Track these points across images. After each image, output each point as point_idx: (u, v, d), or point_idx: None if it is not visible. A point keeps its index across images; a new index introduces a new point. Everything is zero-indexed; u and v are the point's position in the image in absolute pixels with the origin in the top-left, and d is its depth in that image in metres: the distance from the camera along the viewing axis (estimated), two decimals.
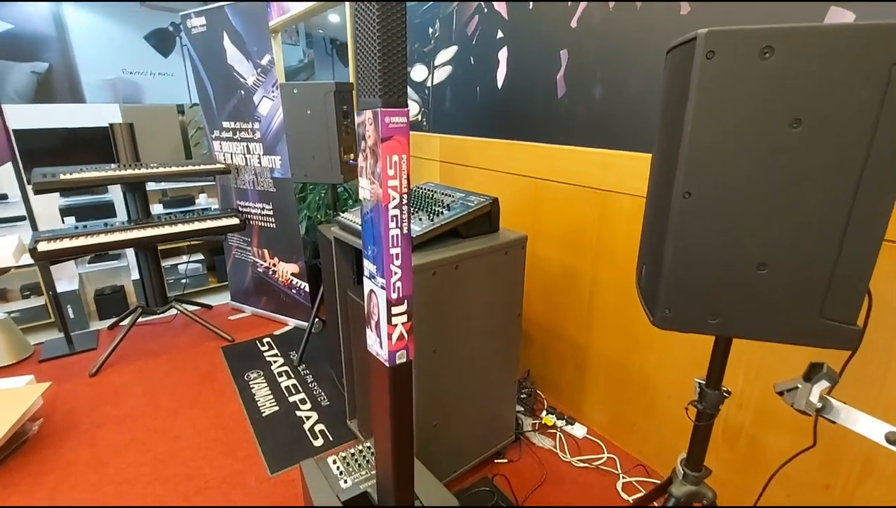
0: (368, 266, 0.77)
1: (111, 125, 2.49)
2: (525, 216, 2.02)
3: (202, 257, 3.69)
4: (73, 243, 2.24)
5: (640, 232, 1.57)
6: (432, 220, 1.36)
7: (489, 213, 1.46)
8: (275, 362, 2.50)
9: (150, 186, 3.46)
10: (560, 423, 1.92)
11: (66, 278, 3.23)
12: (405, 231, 0.71)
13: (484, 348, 1.53)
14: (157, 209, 3.50)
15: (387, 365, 0.76)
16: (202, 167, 2.56)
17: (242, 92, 2.47)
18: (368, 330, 0.80)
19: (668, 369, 1.60)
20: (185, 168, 2.52)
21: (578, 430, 1.89)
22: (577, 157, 1.74)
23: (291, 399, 2.17)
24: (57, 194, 3.10)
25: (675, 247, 0.71)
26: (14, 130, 2.74)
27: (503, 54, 1.97)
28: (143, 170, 2.41)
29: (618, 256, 1.67)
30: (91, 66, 4.62)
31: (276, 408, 2.10)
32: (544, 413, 1.98)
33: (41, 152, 2.90)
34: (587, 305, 1.84)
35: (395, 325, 0.74)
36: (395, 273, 0.72)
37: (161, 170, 2.45)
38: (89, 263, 3.28)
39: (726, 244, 0.69)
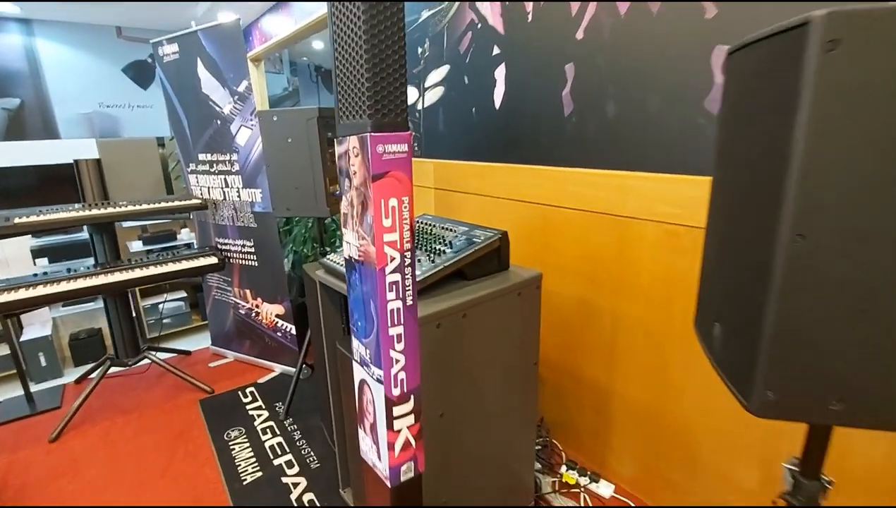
0: (358, 347, 0.56)
1: (76, 161, 2.29)
2: (533, 246, 1.83)
3: (185, 294, 3.48)
4: (31, 294, 2.00)
5: (666, 261, 1.39)
6: (433, 262, 1.16)
7: (498, 250, 1.27)
8: (258, 416, 2.24)
9: (130, 222, 3.28)
10: (583, 481, 1.69)
11: (39, 323, 3.01)
12: (410, 301, 0.51)
13: (497, 405, 1.32)
14: (136, 246, 3.31)
15: (388, 484, 0.55)
16: (175, 204, 2.36)
17: (219, 121, 2.29)
18: (361, 433, 0.59)
19: (711, 417, 1.39)
20: (156, 205, 2.31)
21: (605, 489, 1.66)
22: (589, 180, 1.56)
23: (276, 461, 1.92)
24: (28, 235, 2.91)
25: (785, 306, 0.52)
26: None
27: (500, 72, 1.81)
28: (111, 210, 2.20)
29: (642, 289, 1.48)
30: (66, 100, 4.44)
31: (259, 474, 1.85)
32: (564, 468, 1.75)
33: (10, 191, 2.73)
34: (608, 344, 1.64)
35: (399, 431, 0.53)
36: (398, 361, 0.52)
37: (130, 208, 2.24)
38: (63, 306, 3.06)
39: (859, 302, 0.50)
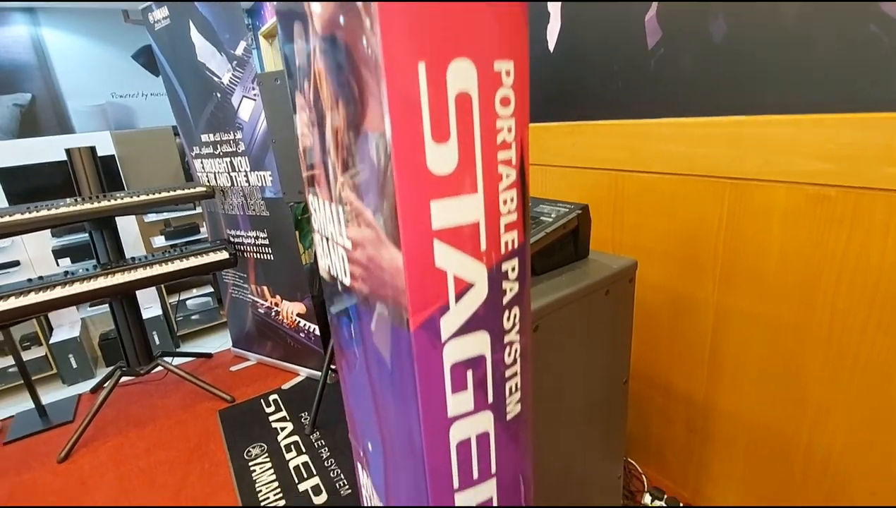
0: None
1: (68, 152, 2.04)
2: (601, 223, 1.46)
3: (211, 289, 3.35)
4: (21, 302, 1.78)
5: (808, 237, 0.99)
6: None
7: (576, 231, 0.91)
8: (282, 429, 1.99)
9: (152, 217, 3.12)
10: None
11: (68, 324, 2.91)
12: (516, 409, 0.13)
13: (576, 443, 0.98)
14: (159, 241, 3.17)
15: None
16: (178, 193, 2.09)
17: (218, 94, 1.99)
18: None
19: (868, 450, 1.01)
20: (157, 196, 2.05)
21: None
22: (683, 133, 1.17)
23: (302, 486, 1.65)
24: (48, 235, 2.78)
25: None
26: None
27: (555, 3, 1.42)
28: (105, 203, 1.95)
29: (767, 276, 1.10)
30: (77, 92, 4.27)
31: (282, 502, 1.59)
32: (647, 497, 1.40)
33: (33, 190, 2.65)
34: (710, 347, 1.26)
35: None
36: None
37: (127, 200, 1.98)
38: (91, 306, 2.96)
39: None
